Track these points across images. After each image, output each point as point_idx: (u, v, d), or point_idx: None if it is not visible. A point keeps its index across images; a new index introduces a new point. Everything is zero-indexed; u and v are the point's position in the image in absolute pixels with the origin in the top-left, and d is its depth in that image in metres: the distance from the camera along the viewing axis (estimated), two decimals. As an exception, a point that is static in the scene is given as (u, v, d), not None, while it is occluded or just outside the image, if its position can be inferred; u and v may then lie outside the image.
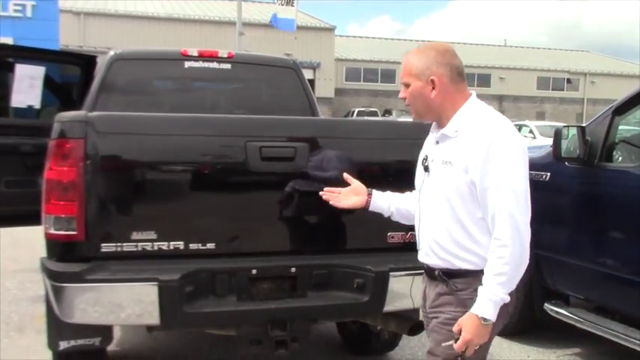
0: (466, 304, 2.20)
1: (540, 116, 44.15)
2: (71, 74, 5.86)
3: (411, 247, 3.37)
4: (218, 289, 3.06)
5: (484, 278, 2.14)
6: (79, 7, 35.89)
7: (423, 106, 2.31)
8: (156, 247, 3.00)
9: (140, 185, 3.11)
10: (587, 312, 4.25)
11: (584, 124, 4.35)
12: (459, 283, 2.25)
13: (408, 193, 2.61)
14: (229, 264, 3.10)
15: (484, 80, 48.58)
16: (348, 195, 2.65)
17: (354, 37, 55.86)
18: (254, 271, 3.06)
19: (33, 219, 4.61)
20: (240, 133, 3.17)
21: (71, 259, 2.93)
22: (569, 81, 49.25)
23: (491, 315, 2.12)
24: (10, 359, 4.11)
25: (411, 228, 3.34)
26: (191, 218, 3.09)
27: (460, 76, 2.30)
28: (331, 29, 40.84)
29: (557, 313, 4.37)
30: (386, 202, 2.64)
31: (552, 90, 49.20)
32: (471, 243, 2.22)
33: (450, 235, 2.24)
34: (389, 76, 46.61)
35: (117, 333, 3.87)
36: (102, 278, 2.87)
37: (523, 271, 2.17)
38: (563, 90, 49.33)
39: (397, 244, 3.37)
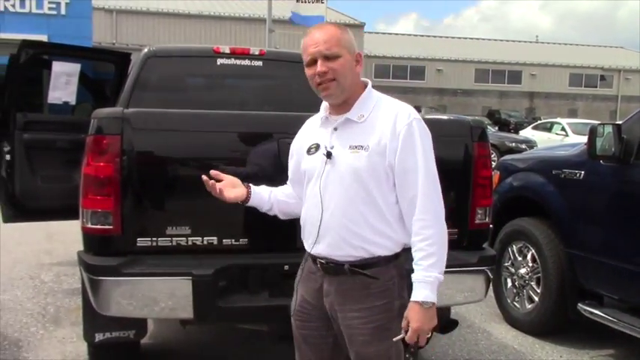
0: (384, 295, 2.17)
1: (572, 114, 43.51)
2: (103, 71, 5.96)
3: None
4: (251, 284, 3.09)
5: (414, 264, 2.11)
6: (111, 5, 36.34)
7: (349, 81, 2.19)
8: (190, 242, 3.04)
9: (174, 181, 3.16)
10: (622, 312, 4.19)
11: (619, 122, 4.28)
12: (375, 272, 2.17)
13: (282, 187, 2.51)
14: (262, 260, 3.13)
15: (515, 77, 48.04)
16: (227, 188, 2.41)
17: (383, 33, 55.58)
18: (286, 267, 3.08)
19: (68, 213, 4.73)
20: (273, 130, 3.19)
21: (108, 253, 2.99)
22: (602, 78, 48.39)
23: (432, 297, 2.08)
24: (47, 350, 4.19)
25: (446, 223, 3.40)
26: (225, 214, 3.11)
27: None
28: (361, 26, 40.67)
29: (591, 313, 4.31)
30: (265, 194, 2.48)
31: (585, 87, 48.41)
32: (386, 227, 2.17)
33: (365, 220, 2.15)
34: (418, 72, 46.38)
35: (150, 326, 3.92)
36: (137, 272, 2.92)
37: (447, 248, 2.15)
38: (596, 87, 48.50)
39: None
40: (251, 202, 2.45)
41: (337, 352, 2.34)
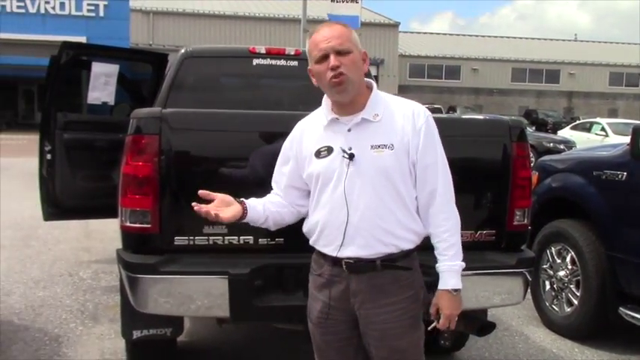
0: (412, 285, 2.26)
1: (612, 113, 42.71)
2: (140, 71, 6.03)
3: (480, 245, 3.36)
4: (286, 283, 3.08)
5: (438, 254, 2.24)
6: (148, 6, 36.90)
7: (359, 78, 2.20)
8: (226, 241, 3.05)
9: (211, 180, 3.17)
10: (665, 317, 4.09)
11: (663, 122, 4.18)
12: (405, 264, 2.25)
13: (269, 197, 2.43)
14: (297, 259, 3.11)
15: (552, 76, 47.38)
16: (222, 209, 2.27)
17: (418, 33, 55.30)
18: (322, 267, 3.07)
19: (106, 212, 4.80)
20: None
21: (146, 251, 3.01)
22: (644, 76, 47.36)
23: (459, 284, 2.23)
24: (85, 347, 4.25)
25: (481, 226, 3.36)
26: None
27: None
28: (395, 25, 40.54)
29: (633, 317, 4.22)
30: (260, 207, 2.37)
31: (625, 86, 47.49)
32: (412, 221, 2.24)
33: (395, 217, 2.20)
34: (453, 72, 46.03)
35: (187, 324, 3.96)
36: (175, 270, 2.94)
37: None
38: (637, 86, 47.51)
39: (465, 243, 3.29)
40: (247, 218, 2.34)
41: (360, 352, 2.36)
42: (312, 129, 2.31)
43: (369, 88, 2.26)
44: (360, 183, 2.16)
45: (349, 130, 2.20)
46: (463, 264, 2.25)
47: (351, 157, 2.16)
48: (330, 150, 2.21)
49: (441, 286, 2.22)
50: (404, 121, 2.19)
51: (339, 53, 2.14)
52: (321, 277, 2.33)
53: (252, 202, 2.37)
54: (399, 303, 2.22)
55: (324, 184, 2.23)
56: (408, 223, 2.22)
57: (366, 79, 2.25)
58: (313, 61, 2.22)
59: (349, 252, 2.20)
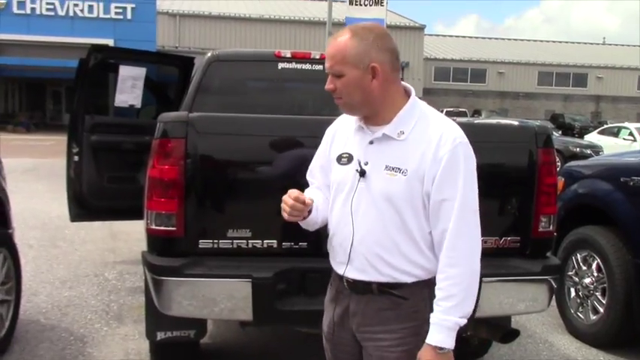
0: (414, 317, 1.97)
1: (641, 118, 42.00)
2: (167, 73, 6.09)
3: (504, 252, 3.34)
4: (309, 287, 3.09)
5: (434, 302, 1.91)
6: (175, 9, 37.27)
7: (359, 99, 1.96)
8: (250, 245, 3.07)
9: (236, 184, 3.20)
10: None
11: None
12: (404, 292, 1.98)
13: (311, 193, 2.18)
14: (320, 263, 3.11)
15: (580, 80, 46.82)
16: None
17: (444, 36, 55.04)
18: (345, 272, 3.07)
19: (132, 213, 4.86)
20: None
21: (170, 254, 3.05)
22: (674, 81, 46.59)
23: (448, 343, 1.88)
24: (110, 347, 4.31)
25: (506, 232, 3.33)
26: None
27: (398, 64, 2.01)
28: (421, 28, 40.40)
29: (660, 326, 4.15)
30: (314, 211, 2.13)
31: (655, 90, 46.70)
32: (420, 257, 1.97)
33: (398, 249, 1.96)
34: (479, 75, 45.73)
35: (210, 326, 3.99)
36: (199, 273, 2.97)
37: (475, 292, 1.93)
38: (666, 90, 46.72)
39: (490, 249, 3.30)
40: (303, 222, 2.14)
41: None
42: (345, 129, 2.13)
43: (406, 97, 2.02)
44: (365, 203, 1.97)
45: (371, 143, 1.99)
46: (461, 322, 1.89)
47: (362, 173, 1.97)
48: (350, 159, 2.04)
49: (427, 338, 1.90)
50: (426, 146, 1.91)
51: (334, 75, 1.96)
52: (332, 289, 2.20)
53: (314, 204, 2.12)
54: (396, 332, 2.00)
55: (337, 192, 2.07)
56: (413, 258, 1.97)
57: (404, 84, 2.04)
58: None
59: (349, 271, 2.03)
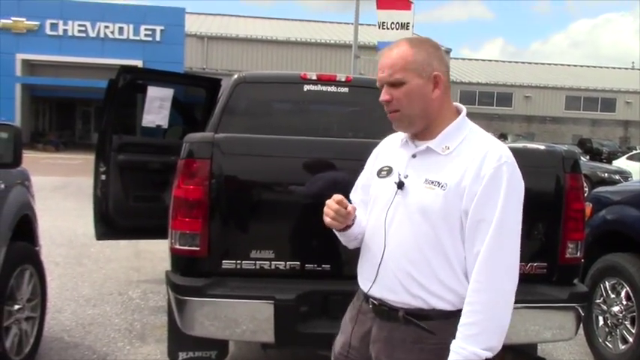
0: (440, 354, 1.81)
1: (671, 143, 41.33)
2: (195, 95, 6.16)
3: (531, 278, 3.28)
4: (331, 310, 3.07)
5: (458, 327, 1.79)
6: (203, 32, 37.84)
7: (418, 111, 1.89)
8: (273, 266, 3.07)
9: (260, 205, 3.21)
10: None
11: None
12: (433, 325, 1.86)
13: (358, 208, 2.08)
14: (343, 286, 3.10)
15: (608, 105, 46.35)
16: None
17: (470, 59, 54.97)
18: (368, 295, 3.05)
19: (157, 233, 4.88)
20: (358, 157, 3.18)
21: (194, 274, 3.06)
22: None
23: None
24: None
25: (532, 258, 3.29)
26: (308, 239, 3.13)
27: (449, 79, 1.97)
28: (447, 52, 40.48)
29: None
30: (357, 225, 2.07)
31: (685, 115, 45.99)
32: (453, 279, 1.85)
33: (431, 269, 1.85)
34: (505, 99, 45.52)
35: (231, 347, 3.97)
36: (221, 294, 2.98)
37: (505, 325, 1.79)
38: (696, 116, 45.98)
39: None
40: (346, 234, 2.09)
41: None
42: (389, 146, 2.09)
43: (456, 114, 1.96)
44: (400, 216, 1.90)
45: (413, 156, 1.93)
46: (482, 354, 1.75)
47: (400, 185, 1.90)
48: (389, 171, 1.98)
49: None
50: (471, 162, 1.83)
51: (392, 85, 1.88)
52: (352, 308, 2.11)
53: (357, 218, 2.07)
54: None
55: (374, 205, 2.01)
56: (446, 280, 1.85)
57: (455, 104, 1.98)
58: None
59: (377, 291, 1.94)
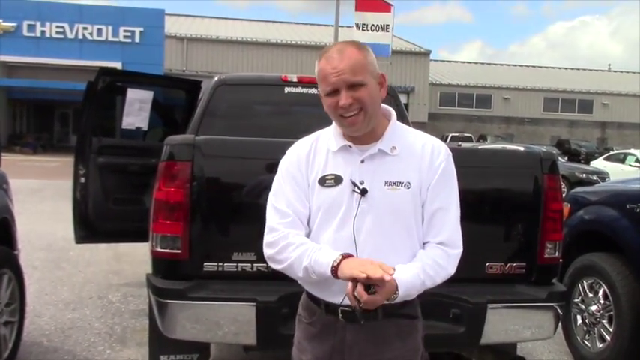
0: (415, 330, 2.00)
1: (647, 144, 41.96)
2: (173, 96, 6.14)
3: (510, 278, 3.32)
4: (313, 312, 3.08)
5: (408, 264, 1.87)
6: (183, 33, 37.65)
7: (375, 111, 1.92)
8: (255, 268, 3.07)
9: (241, 207, 3.20)
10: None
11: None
12: (409, 311, 1.97)
13: (296, 238, 1.94)
14: (325, 288, 3.12)
15: (585, 106, 46.91)
16: None
17: (449, 61, 55.35)
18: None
19: (137, 236, 4.85)
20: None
21: (175, 277, 3.05)
22: (679, 107, 46.60)
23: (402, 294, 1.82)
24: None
25: (511, 258, 3.32)
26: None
27: None
28: (426, 54, 40.66)
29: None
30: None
31: (660, 117, 46.67)
32: None
33: (401, 261, 1.88)
34: (484, 101, 45.86)
35: (213, 350, 3.96)
36: (203, 296, 2.97)
37: (427, 285, 1.90)
38: (673, 117, 46.69)
39: (496, 275, 3.29)
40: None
41: None
42: (314, 153, 2.01)
43: (387, 117, 2.00)
44: (369, 223, 1.89)
45: (362, 162, 1.92)
46: (398, 293, 1.80)
47: (364, 192, 1.88)
48: (338, 180, 1.92)
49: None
50: (422, 158, 1.92)
51: (352, 86, 1.85)
52: (312, 325, 2.01)
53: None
54: (404, 352, 1.97)
55: (325, 219, 1.93)
56: None
57: (384, 105, 1.99)
58: (322, 93, 1.92)
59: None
